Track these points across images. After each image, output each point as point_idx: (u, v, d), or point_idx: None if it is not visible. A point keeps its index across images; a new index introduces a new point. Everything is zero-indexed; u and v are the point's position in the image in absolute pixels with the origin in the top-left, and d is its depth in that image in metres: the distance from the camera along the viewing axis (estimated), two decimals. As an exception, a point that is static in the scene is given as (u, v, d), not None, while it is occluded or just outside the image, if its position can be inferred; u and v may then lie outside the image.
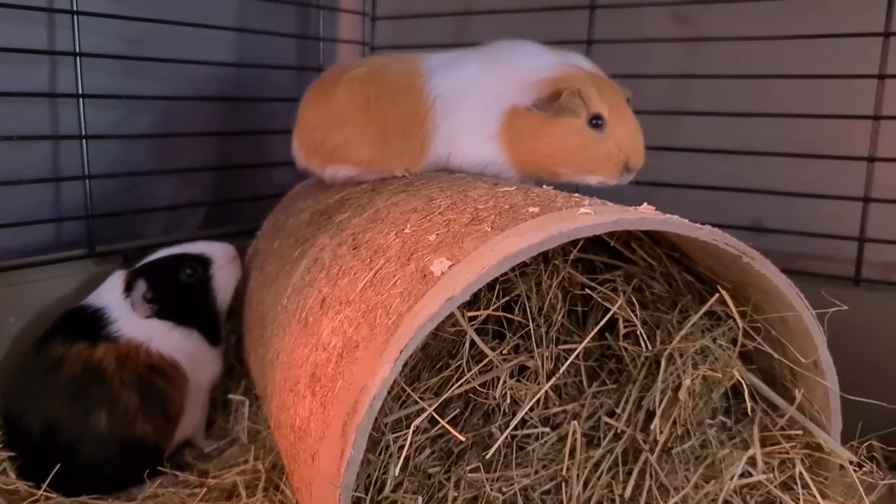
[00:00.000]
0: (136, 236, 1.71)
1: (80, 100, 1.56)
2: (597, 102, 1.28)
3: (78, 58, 1.55)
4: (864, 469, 1.19)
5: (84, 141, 1.58)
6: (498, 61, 1.35)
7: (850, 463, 1.08)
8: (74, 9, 1.52)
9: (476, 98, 1.32)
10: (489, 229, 0.96)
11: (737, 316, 1.06)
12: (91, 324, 1.30)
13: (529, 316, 1.09)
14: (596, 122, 1.28)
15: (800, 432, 1.10)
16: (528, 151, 1.31)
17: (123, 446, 1.26)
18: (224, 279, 1.43)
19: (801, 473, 1.07)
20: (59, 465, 1.21)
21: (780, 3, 1.57)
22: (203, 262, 1.40)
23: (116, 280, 1.36)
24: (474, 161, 1.35)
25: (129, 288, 1.33)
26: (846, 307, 1.10)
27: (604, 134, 1.29)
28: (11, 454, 1.28)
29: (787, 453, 1.09)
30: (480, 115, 1.32)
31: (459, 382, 1.01)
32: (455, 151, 1.35)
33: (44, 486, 1.21)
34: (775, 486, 1.07)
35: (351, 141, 1.35)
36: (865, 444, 1.30)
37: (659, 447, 1.06)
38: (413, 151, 1.35)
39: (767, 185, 1.59)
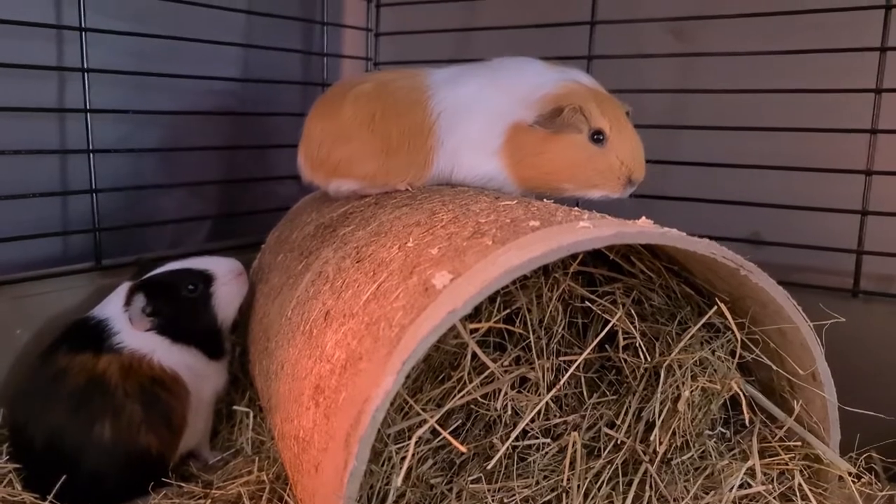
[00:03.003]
0: (142, 249, 1.72)
1: (88, 114, 1.58)
2: (598, 118, 1.29)
3: (85, 73, 1.57)
4: (862, 480, 1.21)
5: (91, 155, 1.60)
6: (499, 78, 1.36)
7: (849, 474, 1.09)
8: (82, 25, 1.55)
9: (478, 114, 1.34)
10: (490, 243, 0.97)
11: (735, 328, 1.07)
12: (95, 335, 1.31)
13: (530, 328, 1.11)
14: (597, 137, 1.30)
15: (799, 444, 1.11)
16: (531, 167, 1.33)
17: (128, 457, 1.26)
18: (226, 296, 1.41)
19: (800, 485, 1.08)
20: (64, 476, 1.21)
21: (777, 18, 1.58)
22: (205, 279, 1.39)
23: (122, 292, 1.36)
24: (477, 176, 1.37)
25: (128, 301, 1.33)
26: (843, 319, 1.11)
27: (606, 149, 1.31)
28: (17, 465, 1.29)
29: (786, 464, 1.10)
30: (483, 131, 1.33)
31: (461, 394, 1.03)
32: (458, 167, 1.37)
33: (49, 497, 1.21)
34: (774, 498, 1.07)
35: (356, 156, 1.37)
36: (864, 455, 1.31)
37: (659, 458, 1.07)
38: (417, 166, 1.36)
39: (766, 199, 1.60)
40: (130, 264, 1.50)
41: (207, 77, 1.88)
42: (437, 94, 1.36)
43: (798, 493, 1.07)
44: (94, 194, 1.61)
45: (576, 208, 1.18)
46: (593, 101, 1.30)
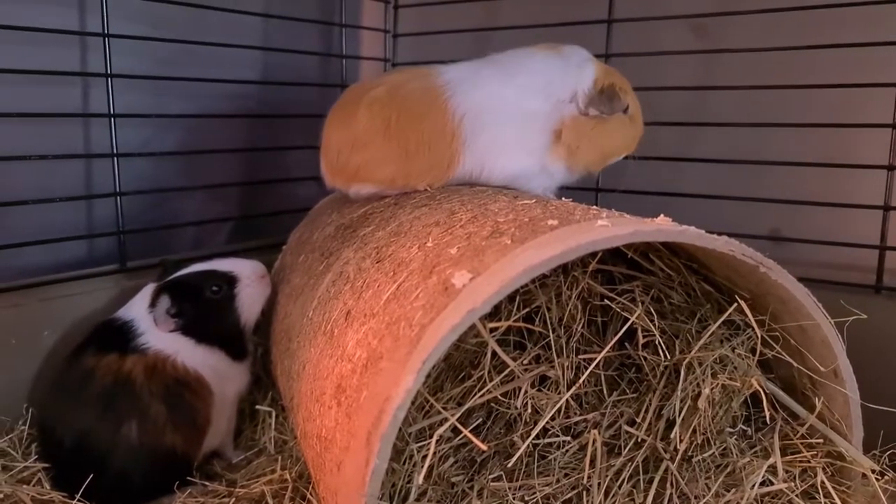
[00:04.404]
0: (165, 251, 1.74)
1: (112, 119, 1.60)
2: (628, 93, 1.40)
3: (109, 78, 1.59)
4: (886, 478, 1.19)
5: (115, 159, 1.62)
6: (520, 75, 1.38)
7: (873, 472, 1.08)
8: (105, 32, 1.57)
9: (511, 115, 1.36)
10: (509, 242, 0.97)
11: (755, 325, 1.07)
12: (120, 336, 1.33)
13: (550, 326, 1.11)
14: (627, 109, 1.41)
15: (821, 441, 1.11)
16: (592, 152, 1.41)
17: (153, 456, 1.28)
18: (249, 298, 1.42)
19: (822, 482, 1.07)
20: (92, 476, 1.23)
21: (796, 14, 1.57)
22: (229, 280, 1.40)
23: (147, 293, 1.38)
24: (512, 174, 1.39)
25: (153, 303, 1.34)
26: (864, 315, 1.10)
27: (632, 117, 1.43)
28: (46, 465, 1.31)
29: (809, 462, 1.09)
30: (521, 131, 1.36)
31: (481, 392, 1.03)
32: (490, 166, 1.38)
33: (77, 495, 1.23)
34: (797, 495, 1.07)
35: (374, 161, 1.38)
36: (888, 452, 1.29)
37: (679, 456, 1.06)
38: (439, 168, 1.37)
39: (786, 195, 1.59)
40: (155, 266, 1.52)
41: (227, 80, 1.90)
42: (456, 96, 1.36)
43: (821, 491, 1.07)
44: (118, 197, 1.63)
45: (594, 206, 1.18)
46: (619, 78, 1.41)
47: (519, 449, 1.03)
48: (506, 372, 1.05)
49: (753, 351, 1.10)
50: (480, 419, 1.12)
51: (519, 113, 1.36)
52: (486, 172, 1.39)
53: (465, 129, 1.35)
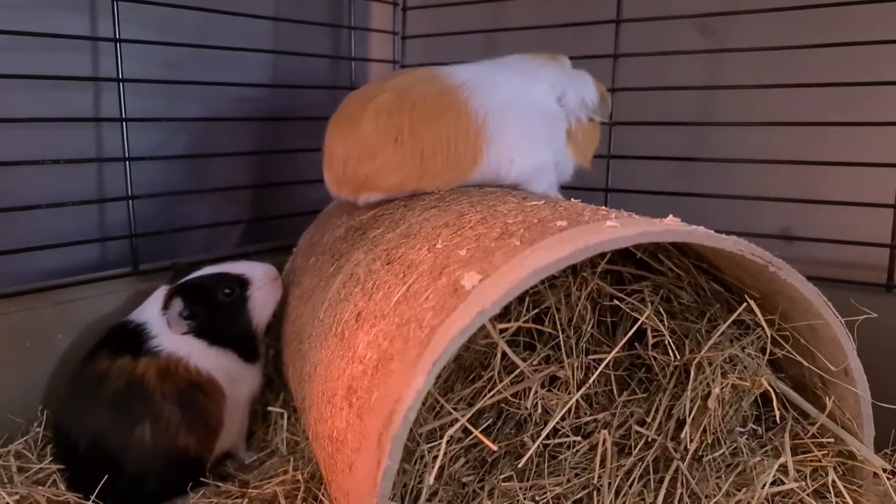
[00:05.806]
0: (177, 254, 1.75)
1: (124, 123, 1.62)
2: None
3: (121, 83, 1.60)
4: (897, 477, 1.19)
5: (127, 163, 1.63)
6: (540, 81, 1.46)
7: (884, 471, 1.08)
8: (117, 37, 1.58)
9: (537, 114, 1.44)
10: (518, 243, 0.98)
11: (765, 324, 1.07)
12: (134, 338, 1.33)
13: (559, 327, 1.11)
14: None
15: (832, 440, 1.10)
16: (591, 148, 1.57)
17: (167, 458, 1.28)
18: (262, 300, 1.43)
19: (833, 481, 1.07)
20: (106, 477, 1.24)
21: (804, 12, 1.57)
22: (241, 283, 1.41)
23: (159, 296, 1.38)
24: (538, 164, 1.45)
25: (166, 305, 1.35)
26: (875, 314, 1.10)
27: None
28: (61, 466, 1.33)
29: (820, 461, 1.09)
30: (546, 128, 1.45)
31: (492, 393, 1.03)
32: (519, 158, 1.42)
33: (92, 497, 1.24)
34: (808, 494, 1.07)
35: (383, 169, 1.37)
36: (899, 451, 1.29)
37: (690, 455, 1.07)
38: (460, 167, 1.38)
39: (796, 194, 1.59)
40: (167, 269, 1.53)
41: (238, 84, 1.91)
42: (475, 96, 1.38)
43: (832, 490, 1.07)
44: (130, 201, 1.64)
45: (603, 207, 1.19)
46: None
47: (529, 449, 1.03)
48: (516, 372, 1.05)
49: (763, 350, 1.10)
50: (491, 419, 1.13)
51: (543, 113, 1.44)
52: (517, 165, 1.42)
53: (489, 126, 1.38)
